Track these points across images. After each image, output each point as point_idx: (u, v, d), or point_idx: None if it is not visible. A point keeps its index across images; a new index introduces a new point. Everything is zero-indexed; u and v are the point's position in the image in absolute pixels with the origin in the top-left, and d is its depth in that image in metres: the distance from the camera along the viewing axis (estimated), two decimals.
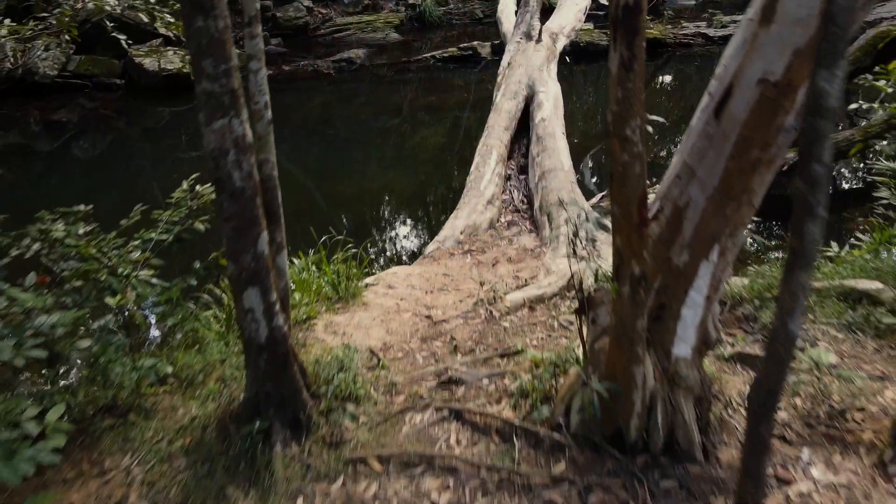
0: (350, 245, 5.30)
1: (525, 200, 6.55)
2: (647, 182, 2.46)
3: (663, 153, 9.56)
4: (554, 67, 8.55)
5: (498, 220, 6.24)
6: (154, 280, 3.63)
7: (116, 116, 12.55)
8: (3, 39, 13.92)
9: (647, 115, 2.29)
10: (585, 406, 2.65)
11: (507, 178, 6.89)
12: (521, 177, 6.95)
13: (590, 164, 9.38)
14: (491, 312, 4.41)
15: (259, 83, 2.66)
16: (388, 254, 7.08)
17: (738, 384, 3.25)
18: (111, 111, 12.61)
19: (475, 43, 14.00)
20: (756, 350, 3.51)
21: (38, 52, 12.49)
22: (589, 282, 2.92)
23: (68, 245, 3.42)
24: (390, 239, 7.57)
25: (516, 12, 10.13)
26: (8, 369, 2.77)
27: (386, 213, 8.59)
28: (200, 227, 3.81)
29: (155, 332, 4.56)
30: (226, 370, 3.49)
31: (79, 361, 3.10)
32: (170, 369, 3.25)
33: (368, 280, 5.09)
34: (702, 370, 2.75)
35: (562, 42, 9.26)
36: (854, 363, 3.41)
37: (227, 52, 2.31)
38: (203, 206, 4.03)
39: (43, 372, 3.25)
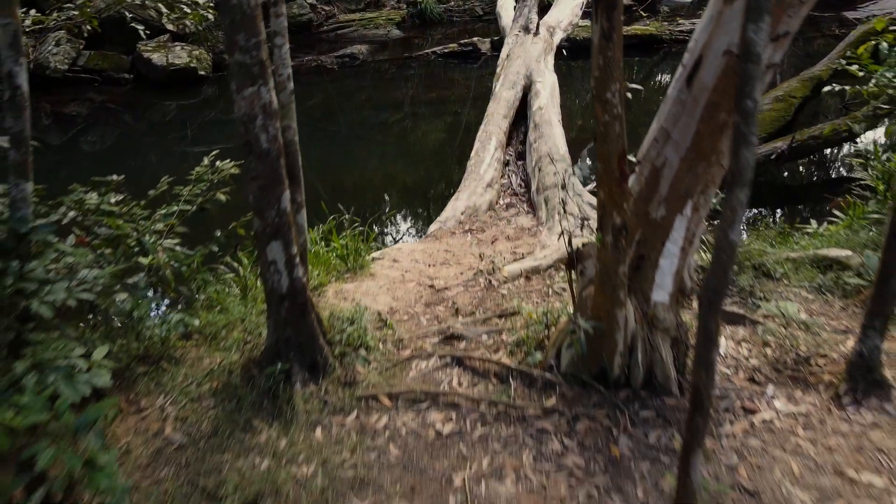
0: (356, 224, 5.62)
1: (523, 184, 6.87)
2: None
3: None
4: (551, 59, 8.88)
5: (497, 202, 6.56)
6: (178, 248, 3.95)
7: (124, 110, 12.83)
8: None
9: (626, 81, 2.61)
10: (574, 345, 2.96)
11: (506, 163, 7.21)
12: (519, 162, 7.28)
13: (588, 161, 9.66)
14: (490, 281, 4.72)
15: (283, 57, 2.97)
16: (391, 238, 7.38)
17: (731, 345, 3.56)
18: (119, 105, 12.88)
19: (475, 39, 14.30)
20: (732, 308, 3.83)
21: (49, 47, 12.80)
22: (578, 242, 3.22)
23: (103, 211, 3.73)
24: (393, 224, 7.87)
25: (515, 7, 10.45)
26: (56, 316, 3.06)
27: (388, 201, 8.88)
28: (222, 197, 4.12)
29: (179, 295, 4.85)
30: (247, 326, 3.81)
31: (116, 313, 3.40)
32: (197, 322, 3.56)
33: (375, 255, 5.40)
34: (678, 315, 3.07)
35: (558, 36, 9.59)
36: (822, 319, 3.73)
37: (257, 27, 2.62)
38: (223, 180, 4.35)
39: (81, 324, 3.56)
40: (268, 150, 2.83)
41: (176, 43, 13.53)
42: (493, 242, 5.83)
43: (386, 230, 7.60)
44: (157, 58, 12.72)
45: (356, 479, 2.70)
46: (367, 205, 8.40)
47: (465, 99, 12.94)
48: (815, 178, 9.36)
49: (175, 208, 4.15)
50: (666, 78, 14.82)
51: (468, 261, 5.40)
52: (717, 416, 2.90)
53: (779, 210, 7.82)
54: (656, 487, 2.54)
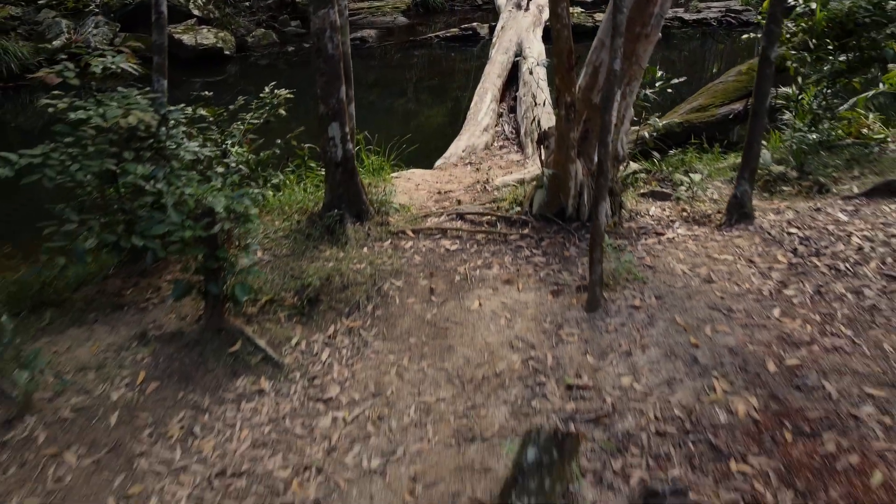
0: (379, 152, 6.98)
1: (514, 132, 8.20)
2: None
3: None
4: (539, 31, 10.21)
5: (492, 144, 7.89)
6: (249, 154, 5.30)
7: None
8: (56, 17, 15.42)
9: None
10: (541, 188, 4.31)
11: (500, 114, 8.55)
12: (511, 115, 8.61)
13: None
14: (485, 188, 6.06)
15: None
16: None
17: (647, 206, 4.91)
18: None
19: (475, 24, 15.68)
20: (663, 190, 5.17)
21: (90, 29, 14.16)
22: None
23: (196, 118, 5.07)
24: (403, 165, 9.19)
25: None
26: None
27: (400, 151, 10.21)
28: (283, 112, 5.47)
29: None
30: (303, 203, 5.14)
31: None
32: (271, 193, 4.90)
33: (392, 175, 6.74)
34: (615, 176, 4.42)
35: (546, 13, 10.91)
36: (727, 196, 5.06)
37: None
38: (280, 103, 5.70)
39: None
40: (332, 54, 4.18)
41: (202, 26, 14.87)
42: (488, 170, 7.17)
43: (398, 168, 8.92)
44: (186, 38, 14.05)
45: (393, 270, 4.05)
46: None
47: (465, 87, 14.22)
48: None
49: (240, 126, 5.51)
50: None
51: (468, 180, 6.73)
52: (637, 237, 4.25)
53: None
54: None
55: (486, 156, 7.67)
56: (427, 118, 12.69)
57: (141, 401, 3.13)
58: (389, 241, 4.41)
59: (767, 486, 2.36)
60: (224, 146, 5.12)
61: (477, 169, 7.14)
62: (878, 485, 2.31)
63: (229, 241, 3.44)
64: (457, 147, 7.67)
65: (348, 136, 4.44)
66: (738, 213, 4.26)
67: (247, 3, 17.00)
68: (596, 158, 4.30)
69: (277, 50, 15.50)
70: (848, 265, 3.62)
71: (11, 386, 3.06)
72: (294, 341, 3.57)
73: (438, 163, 7.60)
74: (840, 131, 6.17)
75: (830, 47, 5.80)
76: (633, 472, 2.48)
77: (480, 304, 3.66)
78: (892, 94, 7.07)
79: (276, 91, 5.73)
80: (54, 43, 13.38)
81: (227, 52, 14.29)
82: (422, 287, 3.90)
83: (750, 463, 2.47)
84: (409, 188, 6.24)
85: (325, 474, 2.75)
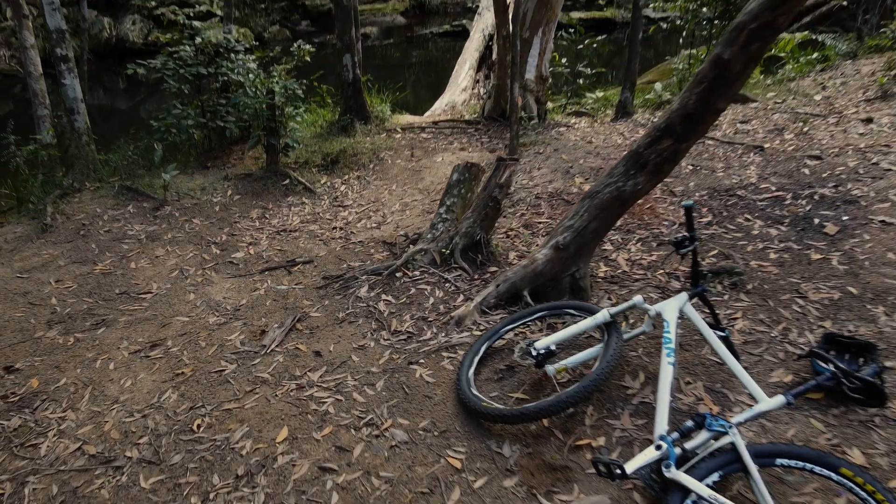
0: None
1: (487, 94, 10.23)
2: None
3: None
4: (510, 14, 12.33)
5: (468, 101, 9.89)
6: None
7: None
8: (97, 15, 17.49)
9: None
10: (489, 97, 6.29)
11: (476, 80, 10.58)
12: (486, 81, 10.64)
13: None
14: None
15: None
16: None
17: (573, 120, 6.89)
18: None
19: (464, 21, 17.79)
20: (583, 111, 7.16)
21: (128, 25, 16.28)
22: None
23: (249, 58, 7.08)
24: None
25: None
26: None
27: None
28: (308, 58, 7.48)
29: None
30: (325, 117, 7.13)
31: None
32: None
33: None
34: (540, 88, 6.40)
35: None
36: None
37: None
38: (305, 53, 7.72)
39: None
40: (346, 5, 6.20)
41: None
42: (462, 113, 9.17)
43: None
44: (212, 34, 16.14)
45: (387, 146, 6.04)
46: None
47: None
48: None
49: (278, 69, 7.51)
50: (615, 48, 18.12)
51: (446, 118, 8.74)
52: (553, 127, 6.23)
53: None
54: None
55: (463, 108, 9.67)
56: (420, 98, 14.70)
57: (231, 203, 5.10)
58: (385, 134, 6.41)
59: None
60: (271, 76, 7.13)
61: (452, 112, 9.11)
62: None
63: (283, 111, 5.43)
64: (440, 103, 9.66)
65: (357, 65, 6.45)
66: (622, 111, 6.25)
67: (262, 6, 19.19)
68: (526, 76, 6.32)
69: (290, 44, 17.64)
70: None
71: (153, 191, 5.05)
72: (322, 182, 5.54)
73: (425, 115, 9.60)
74: None
75: (705, 10, 7.82)
76: (518, 211, 4.45)
77: (443, 159, 5.63)
78: None
79: (301, 46, 7.74)
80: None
81: (247, 46, 16.38)
82: (406, 154, 5.89)
83: None
84: (401, 121, 8.24)
85: (346, 230, 4.71)
